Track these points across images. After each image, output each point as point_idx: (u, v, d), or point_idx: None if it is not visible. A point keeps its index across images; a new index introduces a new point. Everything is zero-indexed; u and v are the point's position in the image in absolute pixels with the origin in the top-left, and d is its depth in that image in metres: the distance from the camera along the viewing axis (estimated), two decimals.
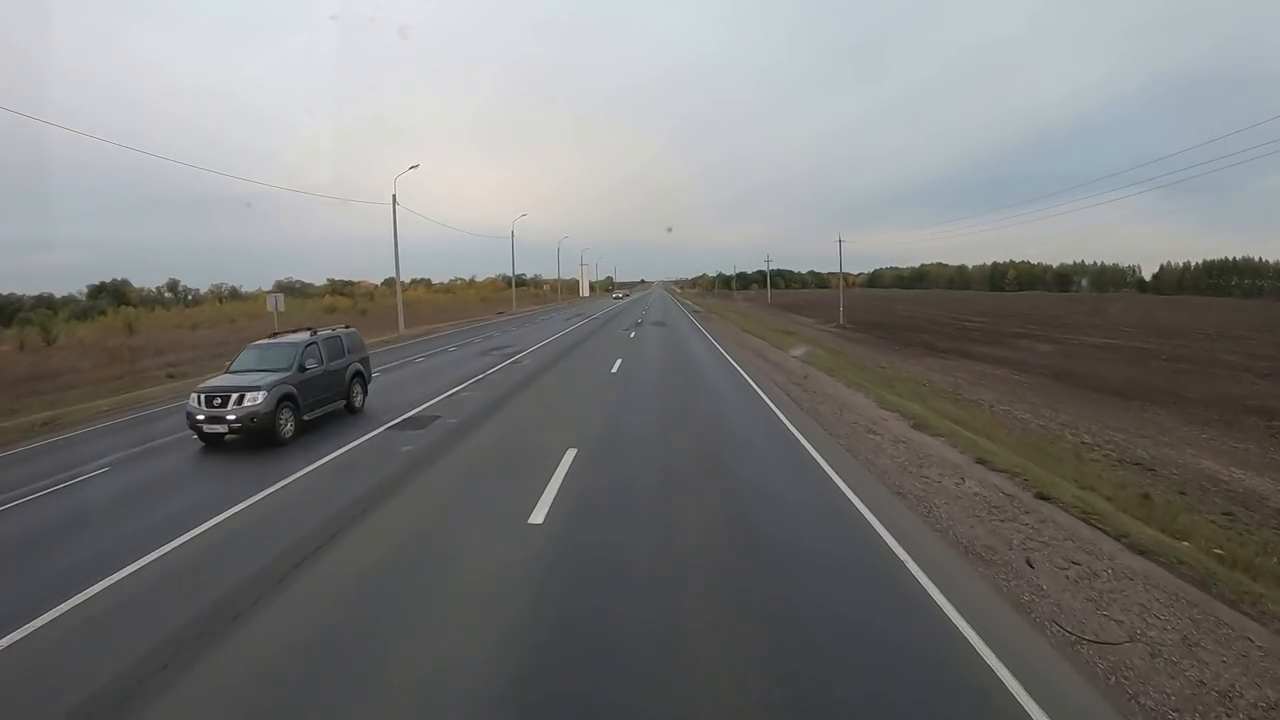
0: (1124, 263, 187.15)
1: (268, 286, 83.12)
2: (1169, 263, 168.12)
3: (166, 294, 70.86)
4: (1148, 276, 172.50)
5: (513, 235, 45.28)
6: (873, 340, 42.10)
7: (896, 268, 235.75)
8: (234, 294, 74.13)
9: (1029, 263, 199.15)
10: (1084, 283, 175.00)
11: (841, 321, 51.77)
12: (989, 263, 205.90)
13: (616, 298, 73.78)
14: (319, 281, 79.52)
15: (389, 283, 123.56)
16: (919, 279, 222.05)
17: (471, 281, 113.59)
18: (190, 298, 71.35)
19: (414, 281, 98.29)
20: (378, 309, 74.93)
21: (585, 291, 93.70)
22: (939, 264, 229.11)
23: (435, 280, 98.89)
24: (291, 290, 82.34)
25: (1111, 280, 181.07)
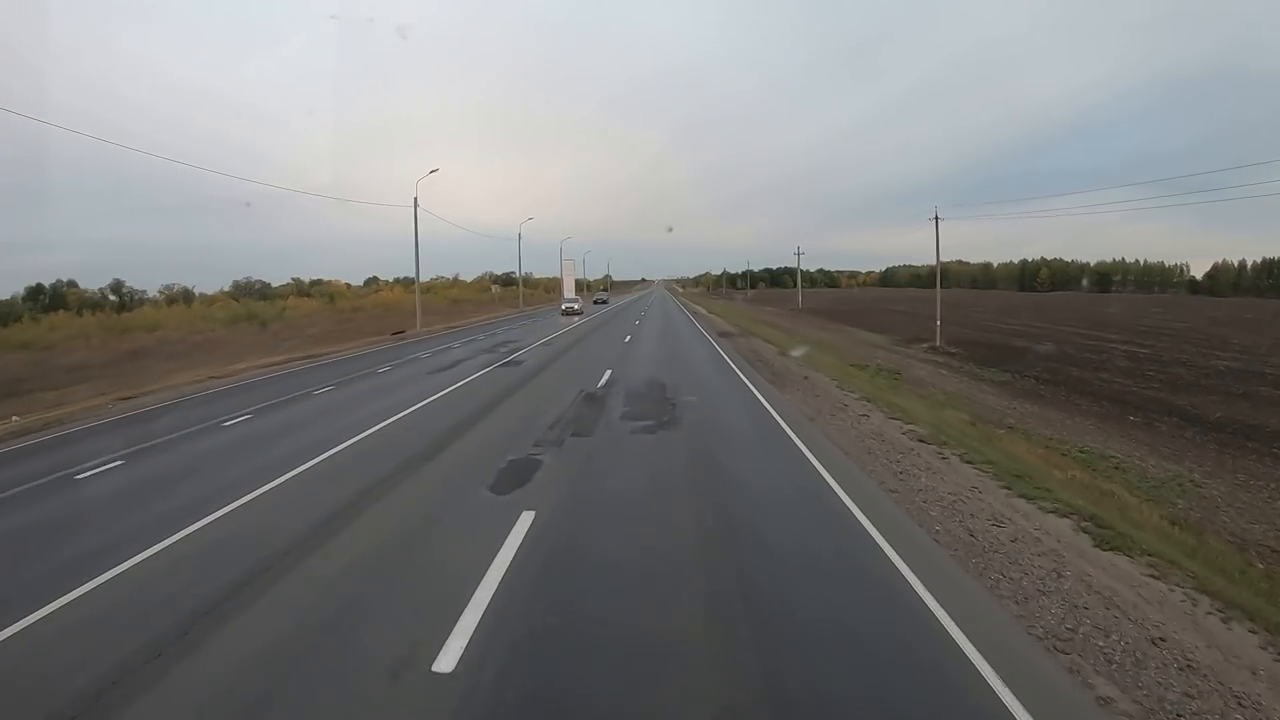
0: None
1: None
2: (1224, 261, 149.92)
3: (110, 296, 61.05)
4: (1198, 275, 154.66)
5: (415, 204, 27.06)
6: (1037, 391, 23.55)
7: (912, 265, 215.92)
8: (186, 295, 64.65)
9: (1062, 260, 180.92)
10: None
11: (939, 343, 33.21)
12: (1015, 260, 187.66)
13: (566, 309, 36.14)
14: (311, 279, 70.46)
15: (370, 283, 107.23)
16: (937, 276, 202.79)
17: (455, 281, 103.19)
18: (137, 299, 62.13)
19: (397, 280, 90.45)
20: (325, 314, 59.84)
21: (570, 292, 74.78)
22: (959, 262, 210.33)
23: (423, 279, 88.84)
24: (251, 290, 72.70)
25: (1157, 280, 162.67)
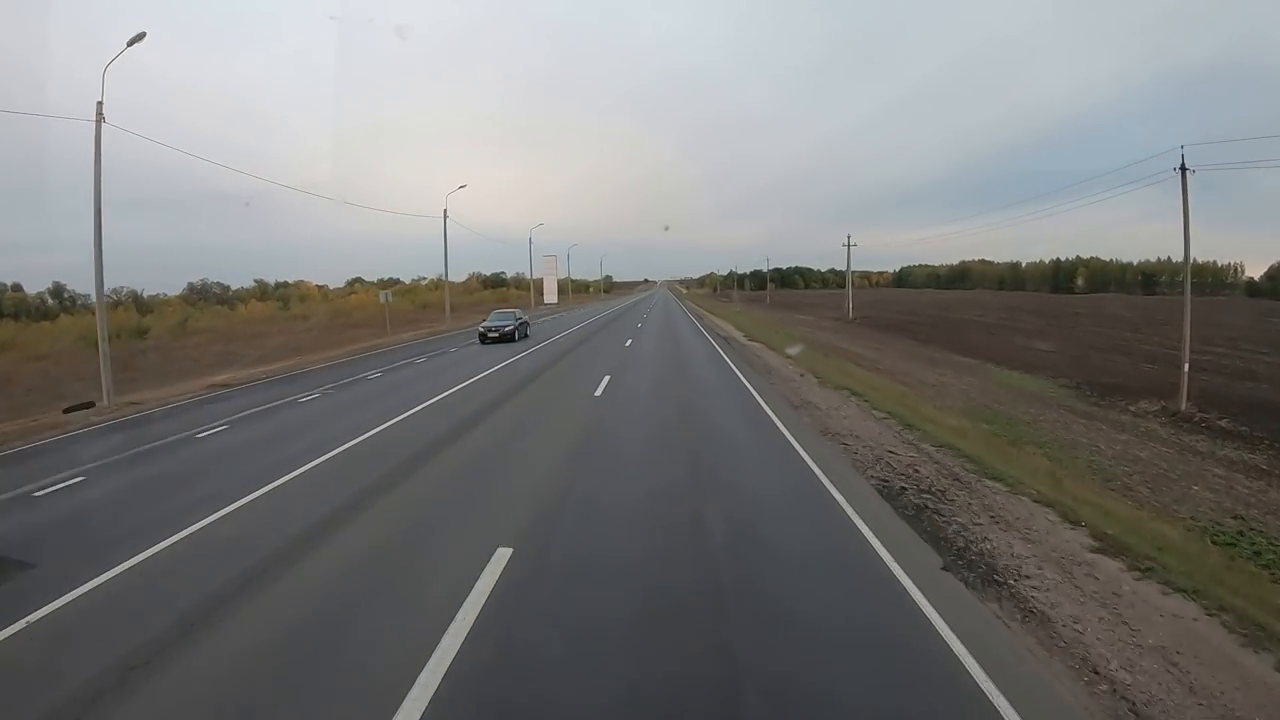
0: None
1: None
2: None
3: (50, 300, 54.52)
4: (1255, 276, 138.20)
5: (98, 114, 12.13)
6: None
7: (928, 265, 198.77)
8: (135, 300, 56.21)
9: (1099, 259, 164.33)
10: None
11: (1185, 405, 17.31)
12: (1047, 259, 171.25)
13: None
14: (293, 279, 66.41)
15: (353, 283, 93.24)
16: (960, 278, 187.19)
17: (437, 283, 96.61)
18: (79, 304, 52.67)
19: (380, 281, 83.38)
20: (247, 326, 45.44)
21: (552, 296, 58.85)
22: (983, 260, 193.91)
23: (406, 280, 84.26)
24: (207, 293, 65.53)
25: (1209, 282, 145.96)
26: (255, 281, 73.48)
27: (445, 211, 32.97)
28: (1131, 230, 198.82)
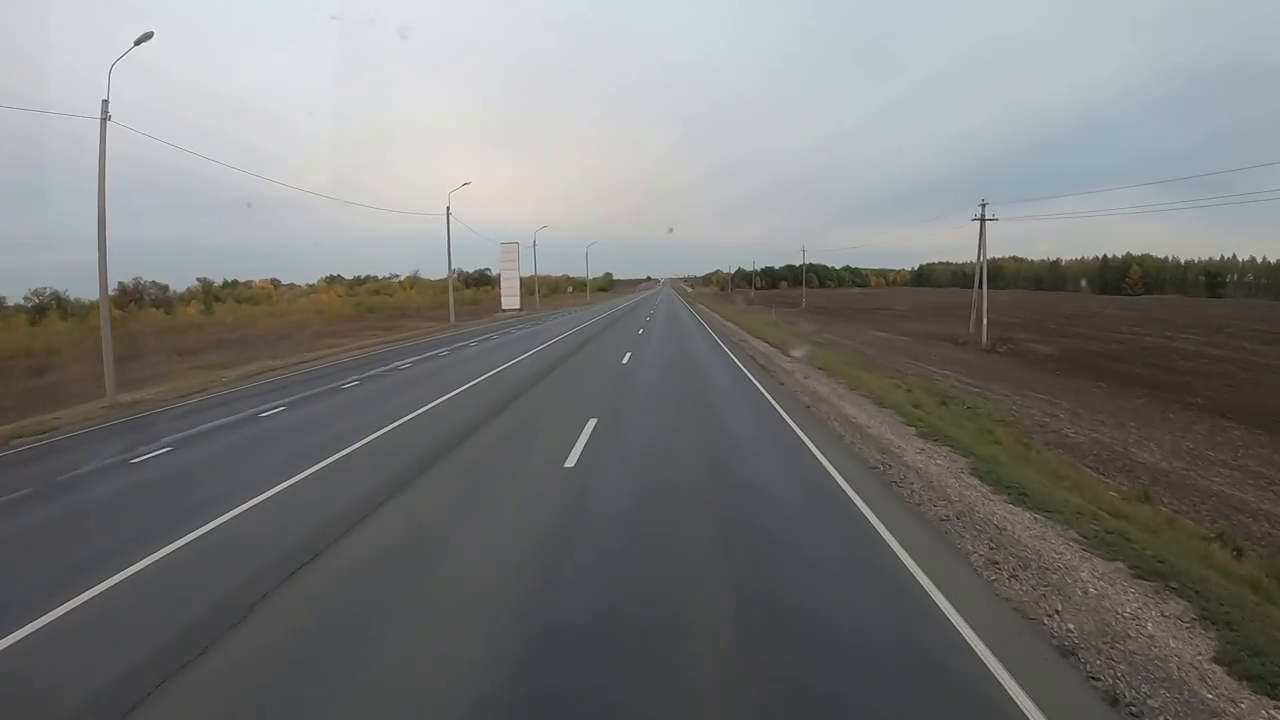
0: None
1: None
2: None
3: None
4: None
5: None
6: None
7: (950, 262, 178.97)
8: (59, 302, 47.66)
9: (1153, 257, 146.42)
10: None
11: None
12: (1093, 256, 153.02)
13: None
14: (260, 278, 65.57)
15: (329, 280, 78.53)
16: (991, 276, 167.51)
17: (413, 281, 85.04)
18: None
19: (359, 279, 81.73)
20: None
21: (512, 299, 40.57)
22: (1014, 258, 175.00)
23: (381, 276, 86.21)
24: (140, 294, 58.56)
25: (1275, 285, 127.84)
26: (198, 280, 63.42)
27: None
28: (1129, 227, 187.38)
